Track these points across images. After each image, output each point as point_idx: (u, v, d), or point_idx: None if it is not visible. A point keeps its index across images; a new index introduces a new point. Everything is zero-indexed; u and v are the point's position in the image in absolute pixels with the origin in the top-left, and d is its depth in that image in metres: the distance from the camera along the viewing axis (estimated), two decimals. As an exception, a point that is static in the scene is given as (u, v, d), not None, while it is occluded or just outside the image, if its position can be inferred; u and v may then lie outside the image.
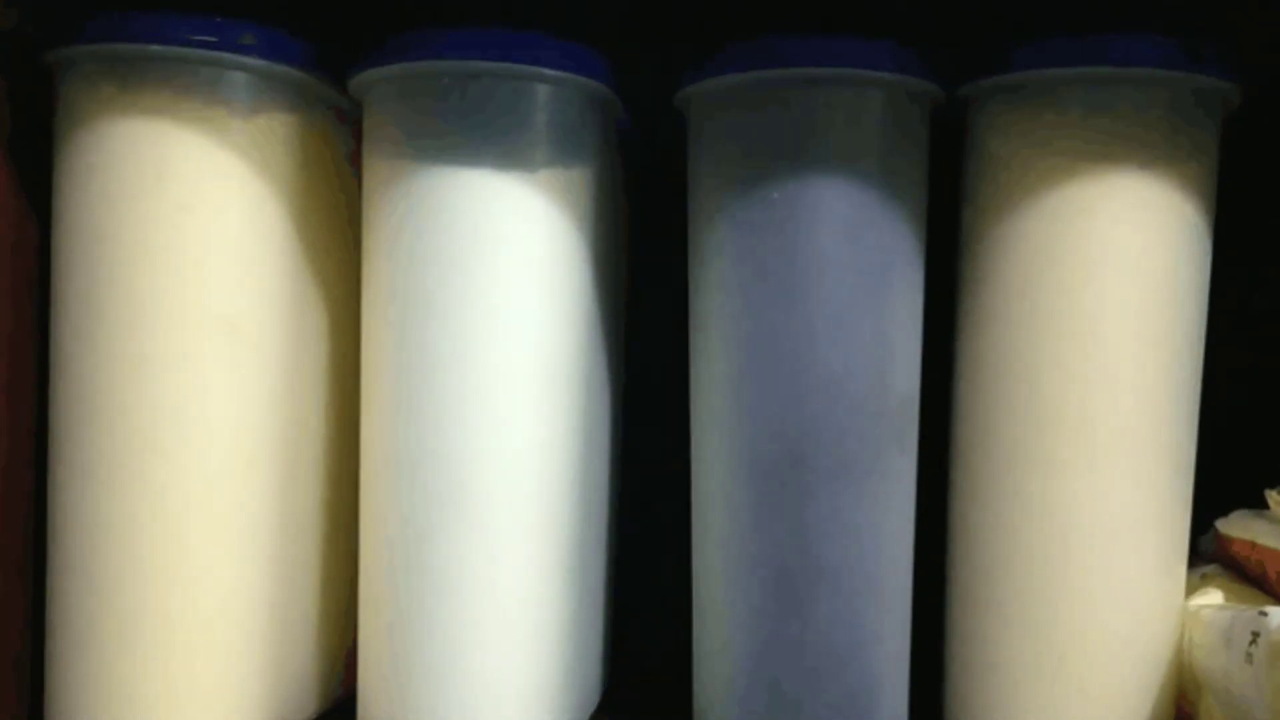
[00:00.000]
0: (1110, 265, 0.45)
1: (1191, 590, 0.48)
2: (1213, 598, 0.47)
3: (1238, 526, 0.49)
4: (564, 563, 0.48)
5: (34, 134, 0.47)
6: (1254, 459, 0.51)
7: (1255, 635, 0.41)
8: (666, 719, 0.51)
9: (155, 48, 0.45)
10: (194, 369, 0.46)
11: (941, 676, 0.49)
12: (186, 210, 0.45)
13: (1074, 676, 0.45)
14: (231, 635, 0.47)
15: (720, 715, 0.47)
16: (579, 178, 0.48)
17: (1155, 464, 0.45)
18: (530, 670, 0.47)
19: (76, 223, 0.46)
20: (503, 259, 0.46)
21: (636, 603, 0.59)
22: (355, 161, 0.49)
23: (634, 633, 0.60)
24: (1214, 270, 0.48)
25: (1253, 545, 0.48)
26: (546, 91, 0.47)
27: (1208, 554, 0.52)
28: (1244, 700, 0.41)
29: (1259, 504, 0.49)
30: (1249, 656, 0.41)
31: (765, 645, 0.46)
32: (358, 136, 0.49)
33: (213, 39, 0.46)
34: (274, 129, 0.47)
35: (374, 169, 0.47)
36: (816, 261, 0.46)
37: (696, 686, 0.48)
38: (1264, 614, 0.41)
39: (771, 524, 0.46)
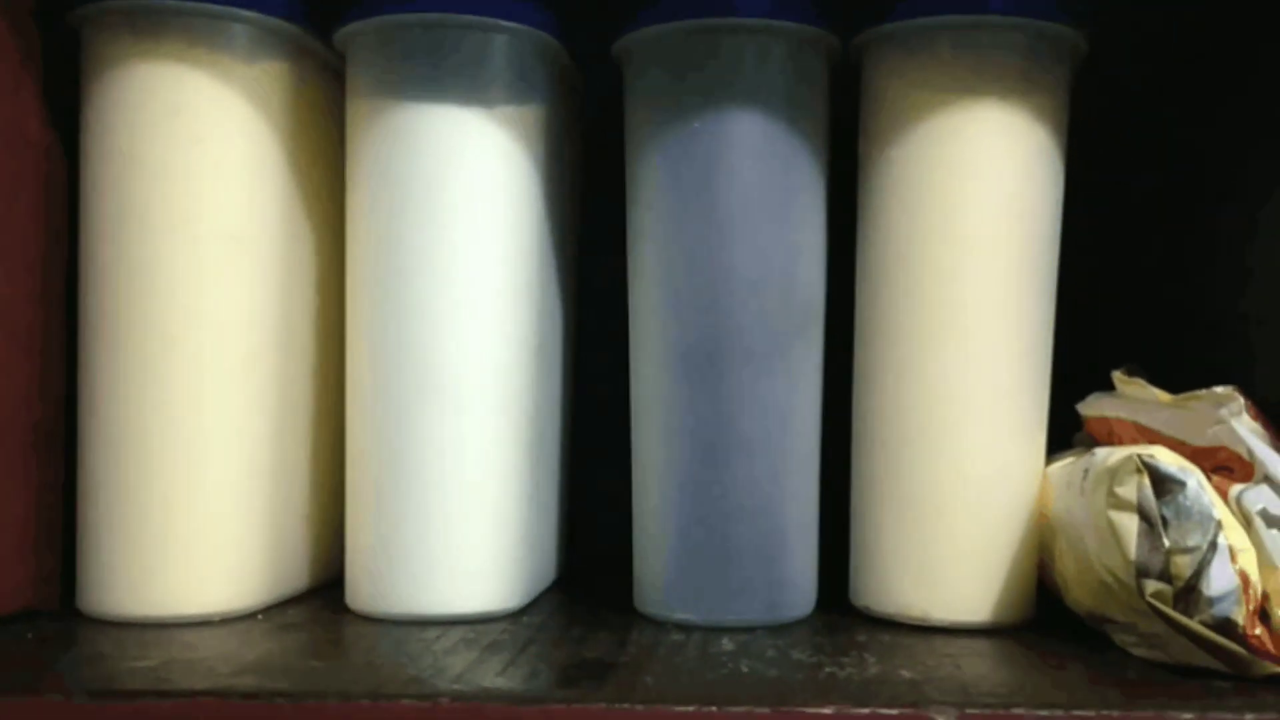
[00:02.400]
0: (976, 179, 0.54)
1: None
2: (1064, 460, 0.55)
3: (1093, 406, 0.58)
4: (525, 445, 0.57)
5: (62, 84, 0.55)
6: (1108, 354, 0.60)
7: (1086, 471, 0.50)
8: (613, 592, 0.59)
9: (169, 3, 0.53)
10: (202, 275, 0.54)
11: (846, 530, 0.57)
12: (197, 141, 0.54)
13: (948, 526, 0.54)
14: (235, 506, 0.55)
15: (655, 562, 0.55)
16: (531, 114, 0.56)
17: (1016, 342, 0.54)
18: (495, 542, 0.55)
19: (104, 151, 0.54)
20: (465, 180, 0.54)
21: (588, 504, 0.67)
22: (340, 106, 0.57)
23: (586, 529, 0.68)
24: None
25: (1104, 419, 0.56)
26: (503, 40, 0.55)
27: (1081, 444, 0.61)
28: (1081, 528, 0.50)
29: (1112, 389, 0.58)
30: (1082, 490, 0.50)
31: (692, 503, 0.55)
32: (342, 87, 0.57)
33: (218, -5, 0.54)
34: (271, 75, 0.56)
35: (356, 107, 0.56)
36: (730, 181, 0.54)
37: (635, 542, 0.57)
38: (1093, 454, 0.50)
39: (695, 402, 0.55)
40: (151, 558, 0.53)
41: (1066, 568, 0.52)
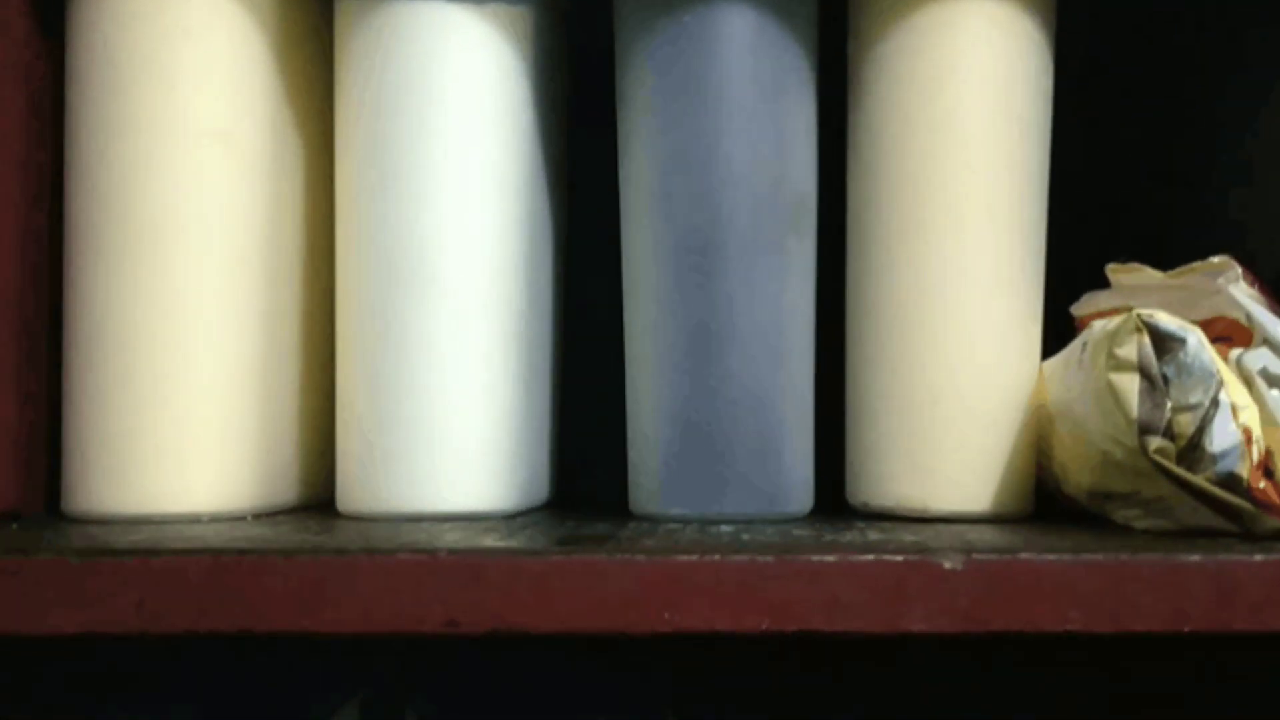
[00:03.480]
0: (965, 71, 0.54)
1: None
2: (1059, 355, 0.55)
3: (1087, 305, 0.57)
4: (517, 346, 0.56)
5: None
6: (1097, 260, 0.60)
7: (1084, 344, 0.50)
8: (608, 503, 0.58)
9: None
10: (191, 173, 0.53)
11: (841, 422, 0.57)
12: (185, 34, 0.53)
13: (945, 416, 0.54)
14: (223, 406, 0.54)
15: (649, 459, 0.55)
16: (521, 16, 0.56)
17: (1009, 233, 0.54)
18: (488, 440, 0.54)
19: (90, 44, 0.53)
20: (454, 78, 0.54)
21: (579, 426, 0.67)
22: (329, 4, 0.57)
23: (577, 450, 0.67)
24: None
25: (1099, 313, 0.56)
26: (491, -65, 0.55)
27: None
28: (1080, 403, 0.50)
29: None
30: (1080, 363, 0.50)
31: (687, 396, 0.54)
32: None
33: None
34: (260, -30, 0.55)
35: (345, 7, 0.55)
36: (722, 76, 0.54)
37: (630, 441, 0.56)
38: (1090, 329, 0.50)
39: (689, 295, 0.54)
40: (138, 456, 0.52)
41: (1064, 453, 0.52)
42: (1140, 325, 0.46)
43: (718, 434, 0.54)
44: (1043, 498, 0.56)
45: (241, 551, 0.40)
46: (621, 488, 0.57)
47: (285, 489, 0.58)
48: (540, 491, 0.60)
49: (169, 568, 0.40)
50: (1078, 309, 0.59)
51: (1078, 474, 0.51)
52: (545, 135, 0.59)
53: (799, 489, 0.55)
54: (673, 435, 0.54)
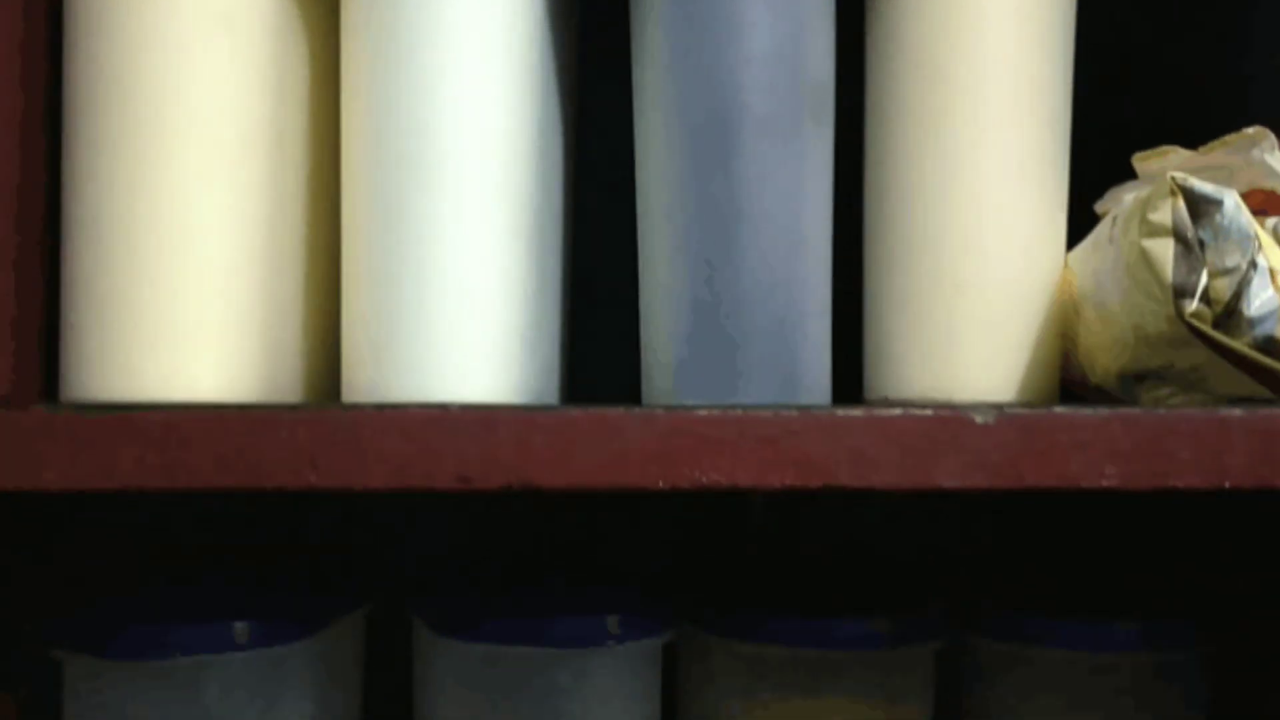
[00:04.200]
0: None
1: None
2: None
3: (1111, 200, 0.56)
4: (526, 237, 0.54)
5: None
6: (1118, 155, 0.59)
7: (1114, 219, 0.48)
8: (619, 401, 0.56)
9: None
10: (195, 57, 0.52)
11: (860, 315, 0.55)
12: (187, -86, 0.52)
13: (968, 306, 0.52)
14: (224, 298, 0.52)
15: (663, 350, 0.53)
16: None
17: (1032, 115, 0.52)
18: (495, 332, 0.52)
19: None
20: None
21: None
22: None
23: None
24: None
25: (1121, 203, 0.55)
26: None
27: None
28: (1110, 281, 0.48)
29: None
30: (1111, 239, 0.48)
31: (703, 285, 0.52)
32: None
33: None
34: None
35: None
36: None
37: (643, 332, 0.54)
38: (1120, 203, 0.48)
39: (706, 179, 0.52)
40: (138, 342, 0.50)
41: (1091, 339, 0.50)
42: (1175, 188, 0.44)
43: (734, 323, 0.52)
44: (1067, 396, 0.54)
45: (245, 407, 0.39)
46: (633, 391, 0.55)
47: (289, 382, 0.56)
48: (550, 386, 0.58)
49: (169, 422, 0.39)
50: (1102, 204, 0.57)
51: (1106, 359, 0.49)
52: (556, 19, 0.58)
53: (816, 380, 0.53)
54: (688, 324, 0.53)
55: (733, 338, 0.52)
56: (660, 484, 0.38)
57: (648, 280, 0.54)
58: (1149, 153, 0.54)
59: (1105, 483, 0.38)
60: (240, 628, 0.51)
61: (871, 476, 0.38)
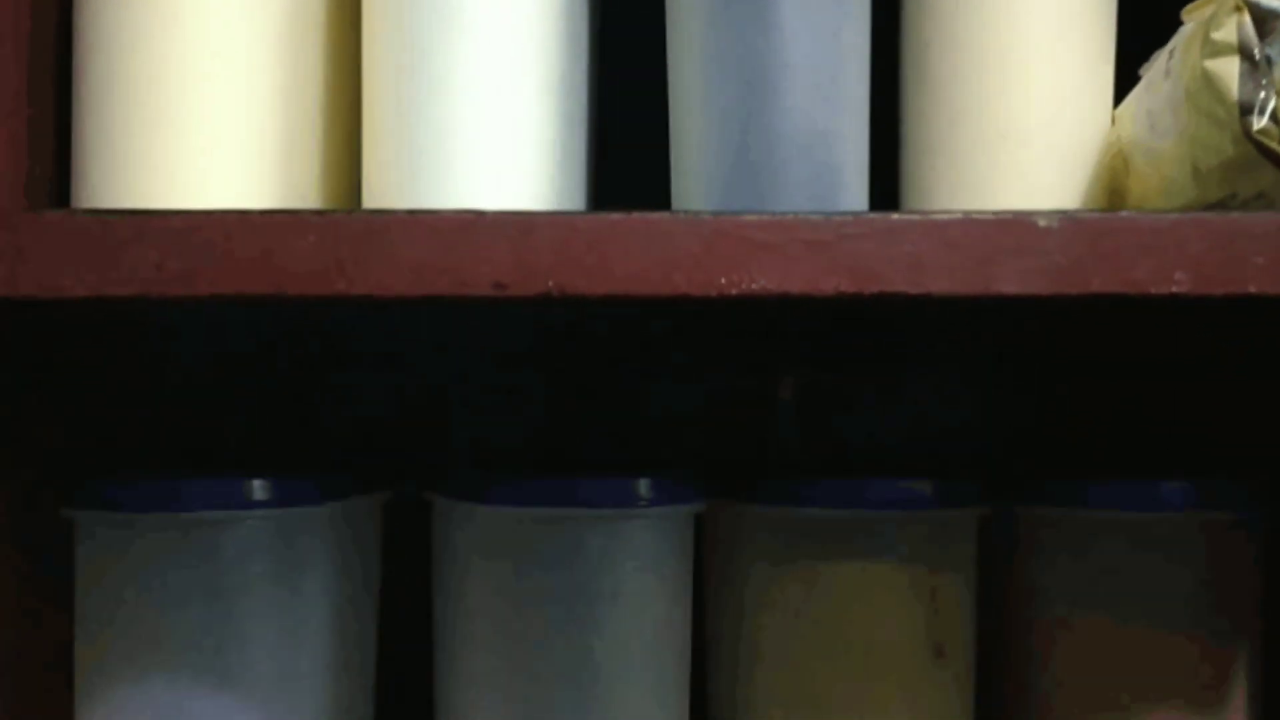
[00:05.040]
0: None
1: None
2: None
3: (1156, 61, 0.54)
4: (558, 44, 0.50)
5: None
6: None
7: (1171, 53, 0.46)
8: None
9: None
10: None
11: (899, 172, 0.54)
12: None
13: (1011, 156, 0.50)
14: (243, 105, 0.48)
15: (698, 201, 0.51)
16: None
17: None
18: (525, 136, 0.48)
19: None
20: None
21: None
22: None
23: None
24: None
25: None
26: None
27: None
28: (1163, 121, 0.46)
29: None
30: (1167, 72, 0.46)
31: (739, 136, 0.50)
32: None
33: None
34: None
35: None
36: None
37: (673, 185, 0.52)
38: (1179, 33, 0.46)
39: (740, 26, 0.50)
40: (153, 146, 0.47)
41: (1143, 185, 0.48)
42: (1240, 3, 0.42)
43: (769, 175, 0.50)
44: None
45: (269, 211, 0.37)
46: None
47: (309, 194, 0.53)
48: (580, 202, 0.56)
49: (189, 226, 0.37)
50: (1146, 67, 0.55)
51: (1159, 203, 0.47)
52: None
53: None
54: (723, 176, 0.50)
55: (768, 193, 0.49)
56: (708, 290, 0.36)
57: (679, 133, 0.52)
58: (1198, 3, 0.52)
59: (1175, 289, 0.36)
60: (258, 484, 0.49)
61: (928, 283, 0.36)
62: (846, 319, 0.60)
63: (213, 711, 0.49)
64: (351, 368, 0.60)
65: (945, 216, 0.37)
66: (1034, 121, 0.50)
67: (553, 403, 0.60)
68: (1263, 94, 0.42)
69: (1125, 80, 0.54)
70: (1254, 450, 0.53)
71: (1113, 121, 0.52)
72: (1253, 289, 0.36)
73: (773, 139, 0.50)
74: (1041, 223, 0.36)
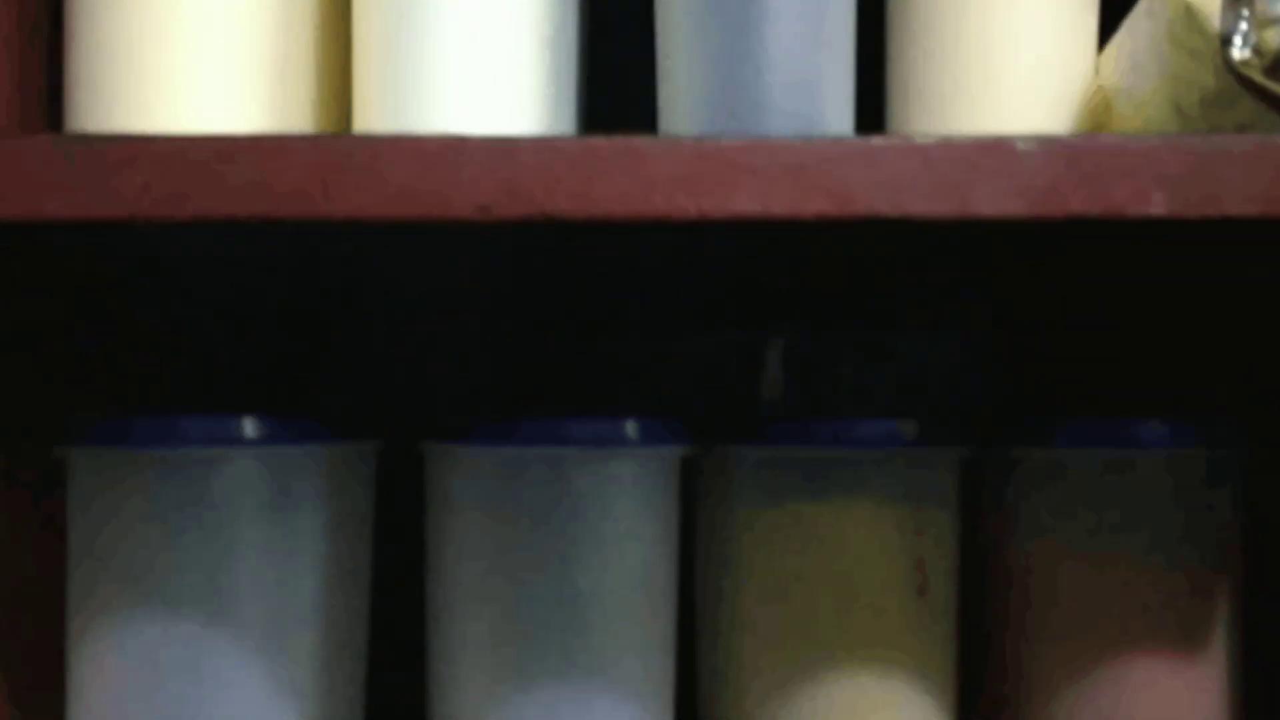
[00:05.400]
0: None
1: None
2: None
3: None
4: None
5: None
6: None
7: (1155, -12, 0.47)
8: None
9: None
10: None
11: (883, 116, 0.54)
12: None
13: (996, 98, 0.50)
14: (233, 29, 0.48)
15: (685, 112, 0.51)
16: None
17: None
18: (512, 61, 0.48)
19: None
20: None
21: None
22: None
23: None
24: None
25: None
26: None
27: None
28: (1146, 58, 0.46)
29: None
30: (1149, 13, 0.47)
31: (722, 82, 0.50)
32: None
33: None
34: None
35: None
36: None
37: (662, 121, 0.53)
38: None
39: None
40: (142, 70, 0.47)
41: (1126, 130, 0.49)
42: (1221, -64, 0.43)
43: (755, 121, 0.51)
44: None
45: (255, 136, 0.37)
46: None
47: (299, 120, 0.53)
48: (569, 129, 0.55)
49: (176, 149, 0.37)
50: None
51: (1144, 143, 0.48)
52: None
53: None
54: (709, 118, 0.51)
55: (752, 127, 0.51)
56: (690, 212, 0.36)
57: (666, 80, 0.53)
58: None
59: (1153, 210, 0.36)
60: (250, 422, 0.49)
61: (908, 205, 0.36)
62: (833, 266, 0.60)
63: (204, 648, 0.50)
64: (345, 325, 0.61)
65: (925, 140, 0.37)
66: (1018, 67, 0.50)
67: (537, 366, 0.61)
68: (1244, 25, 0.42)
69: (1108, 32, 0.54)
70: (1236, 388, 0.53)
71: (1096, 70, 0.52)
72: (1231, 211, 0.36)
73: (756, 84, 0.50)
74: (1020, 146, 0.37)
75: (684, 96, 0.52)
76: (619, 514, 0.52)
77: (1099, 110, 0.51)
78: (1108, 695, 0.51)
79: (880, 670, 0.50)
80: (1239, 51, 0.42)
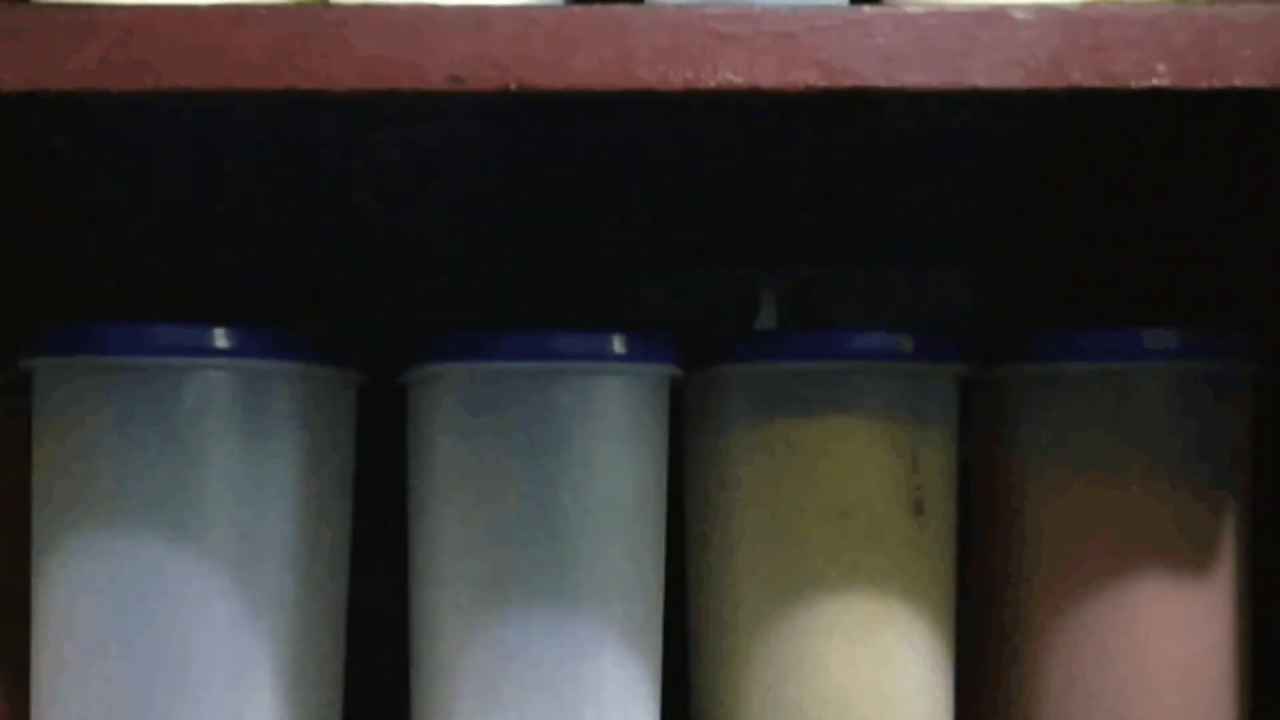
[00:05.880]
0: None
1: None
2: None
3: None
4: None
5: None
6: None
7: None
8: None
9: None
10: None
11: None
12: None
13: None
14: None
15: None
16: None
17: None
18: None
19: None
20: None
21: None
22: None
23: None
24: None
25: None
26: None
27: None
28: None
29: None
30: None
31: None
32: None
33: None
34: None
35: None
36: None
37: None
38: None
39: None
40: None
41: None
42: None
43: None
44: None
45: (219, 5, 0.36)
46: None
47: None
48: None
49: (135, 18, 0.35)
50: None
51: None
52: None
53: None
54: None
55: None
56: (672, 84, 0.34)
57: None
58: None
59: (1157, 81, 0.35)
60: (223, 332, 0.48)
61: (902, 76, 0.35)
62: (830, 197, 0.59)
63: (172, 565, 0.48)
64: (323, 245, 0.59)
65: (919, 8, 0.35)
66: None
67: (527, 298, 0.60)
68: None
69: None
70: (1245, 301, 0.52)
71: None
72: (1238, 82, 0.34)
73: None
74: (1018, 15, 0.35)
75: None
76: (606, 431, 0.50)
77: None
78: (1112, 619, 0.49)
79: (875, 590, 0.48)
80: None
